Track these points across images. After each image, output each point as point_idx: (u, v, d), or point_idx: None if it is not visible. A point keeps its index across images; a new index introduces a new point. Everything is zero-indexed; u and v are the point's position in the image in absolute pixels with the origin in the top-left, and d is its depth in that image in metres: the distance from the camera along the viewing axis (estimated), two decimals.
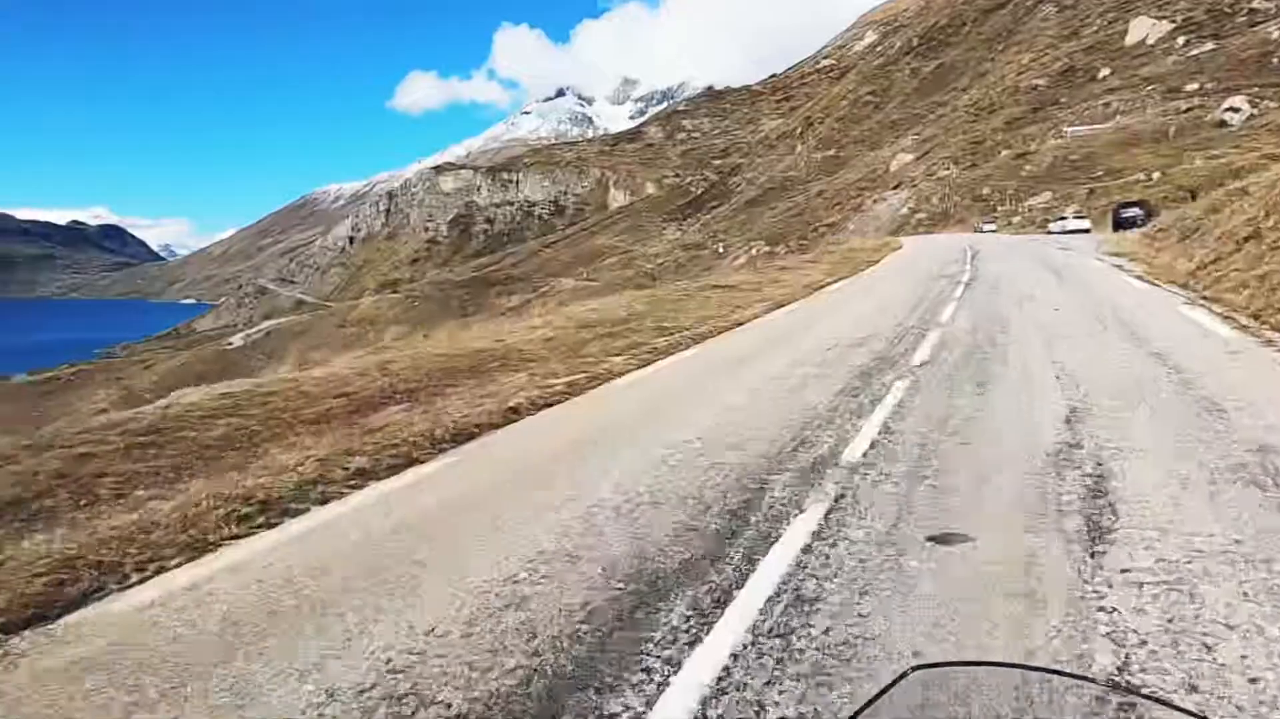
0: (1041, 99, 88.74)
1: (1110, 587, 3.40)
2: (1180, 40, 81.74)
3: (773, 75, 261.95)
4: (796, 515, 4.46)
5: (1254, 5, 79.98)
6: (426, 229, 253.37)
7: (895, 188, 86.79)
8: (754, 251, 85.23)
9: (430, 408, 8.76)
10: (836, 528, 4.24)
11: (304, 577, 4.07)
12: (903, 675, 1.29)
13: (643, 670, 3.02)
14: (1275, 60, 65.78)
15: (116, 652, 3.38)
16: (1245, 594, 3.26)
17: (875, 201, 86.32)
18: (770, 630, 3.23)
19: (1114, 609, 3.21)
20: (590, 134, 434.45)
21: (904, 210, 75.94)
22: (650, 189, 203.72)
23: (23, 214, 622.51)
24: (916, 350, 9.75)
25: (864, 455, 5.51)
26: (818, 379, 8.38)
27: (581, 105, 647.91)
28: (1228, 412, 5.99)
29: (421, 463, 6.45)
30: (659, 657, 3.11)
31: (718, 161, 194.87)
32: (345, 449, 6.89)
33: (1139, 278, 17.23)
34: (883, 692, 1.25)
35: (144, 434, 8.39)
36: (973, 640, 3.04)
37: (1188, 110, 63.01)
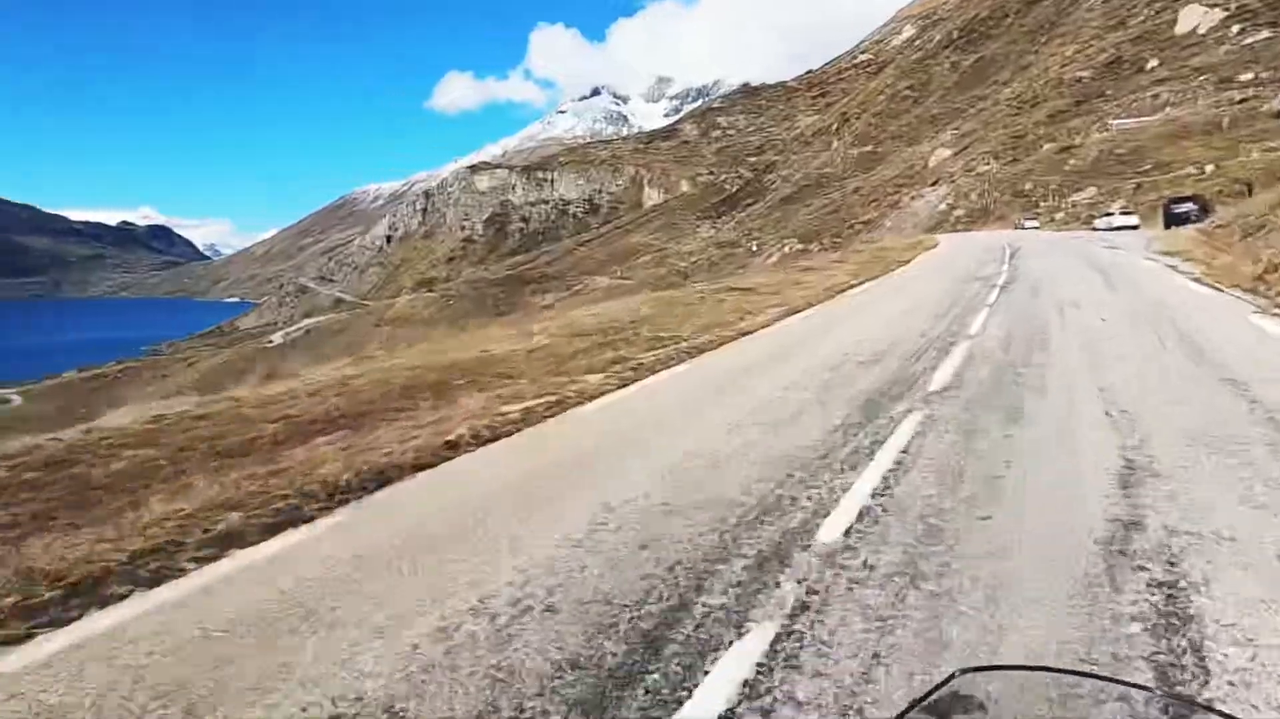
0: (1086, 91, 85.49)
1: None
2: (1234, 29, 78.06)
3: (809, 71, 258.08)
4: (729, 645, 3.11)
5: None
6: (462, 228, 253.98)
7: (933, 184, 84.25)
8: (786, 250, 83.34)
9: (362, 439, 7.55)
10: (779, 678, 2.88)
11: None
12: (950, 678, 1.27)
13: None
14: None
15: None
16: None
17: (913, 198, 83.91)
18: None
19: None
20: (625, 132, 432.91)
21: (942, 207, 73.61)
22: (684, 187, 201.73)
23: (75, 215, 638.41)
24: (937, 370, 8.30)
25: (846, 534, 4.10)
26: (814, 409, 6.99)
27: (616, 104, 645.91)
28: None
29: (307, 521, 5.21)
30: None
31: (752, 159, 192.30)
32: (224, 500, 5.68)
33: (1197, 280, 15.51)
34: (929, 693, 1.24)
35: (39, 468, 7.34)
36: None
37: (1242, 101, 59.88)
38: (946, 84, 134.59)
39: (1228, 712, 1.33)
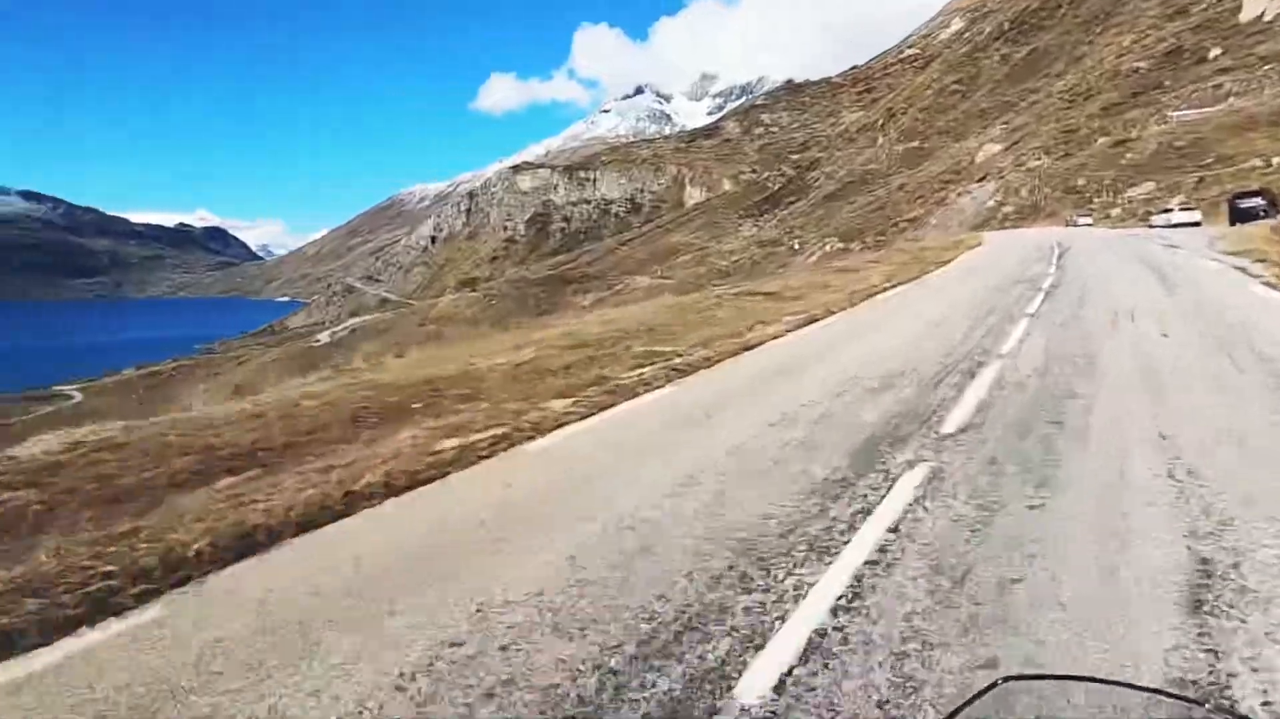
0: (1144, 83, 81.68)
1: None
2: None
3: (853, 67, 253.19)
4: None
5: None
6: (505, 228, 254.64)
7: (981, 180, 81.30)
8: (827, 248, 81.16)
9: (263, 483, 6.42)
10: None
11: None
12: (992, 685, 1.24)
13: None
14: None
15: None
16: None
17: (959, 195, 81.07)
18: None
19: None
20: (668, 131, 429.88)
21: (990, 203, 70.87)
22: (726, 185, 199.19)
23: (135, 217, 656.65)
24: (958, 402, 6.85)
25: (777, 690, 2.78)
26: (796, 456, 5.61)
27: (659, 102, 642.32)
28: None
29: (115, 614, 4.08)
30: None
31: (795, 156, 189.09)
32: (32, 577, 4.57)
33: (1270, 285, 13.71)
34: (971, 699, 1.21)
35: None
36: None
37: None
38: (996, 77, 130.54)
39: None
